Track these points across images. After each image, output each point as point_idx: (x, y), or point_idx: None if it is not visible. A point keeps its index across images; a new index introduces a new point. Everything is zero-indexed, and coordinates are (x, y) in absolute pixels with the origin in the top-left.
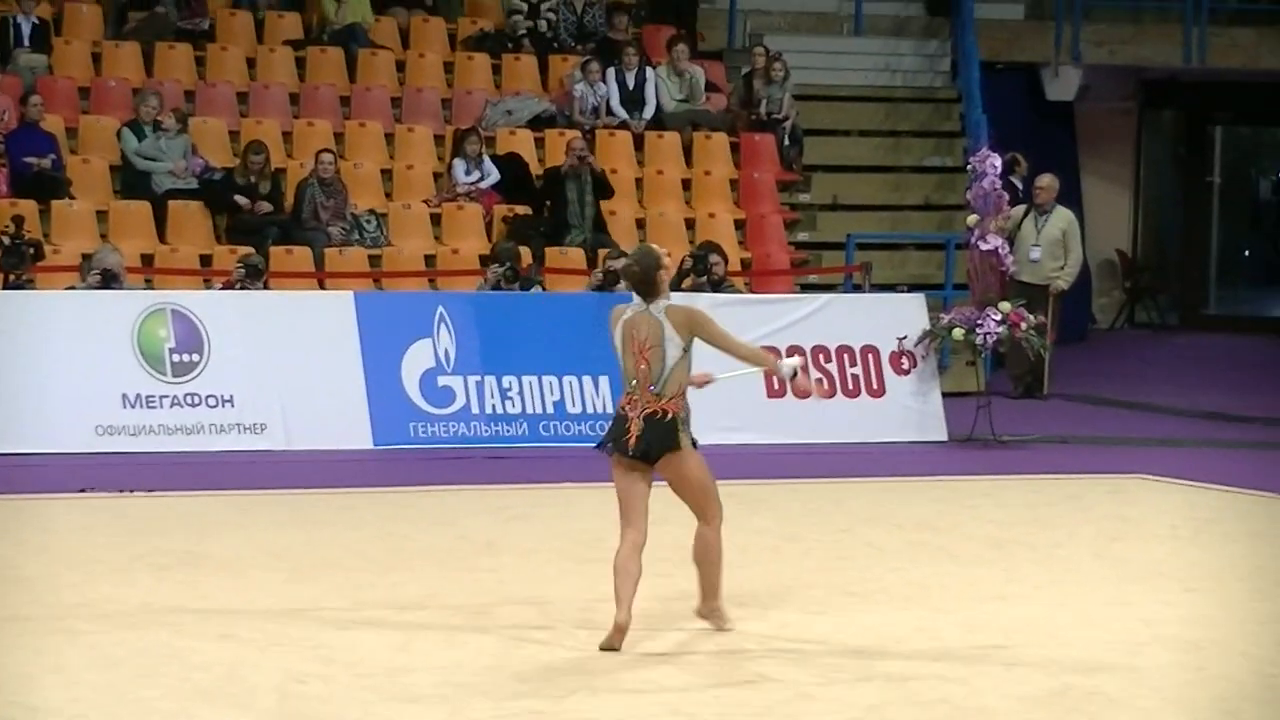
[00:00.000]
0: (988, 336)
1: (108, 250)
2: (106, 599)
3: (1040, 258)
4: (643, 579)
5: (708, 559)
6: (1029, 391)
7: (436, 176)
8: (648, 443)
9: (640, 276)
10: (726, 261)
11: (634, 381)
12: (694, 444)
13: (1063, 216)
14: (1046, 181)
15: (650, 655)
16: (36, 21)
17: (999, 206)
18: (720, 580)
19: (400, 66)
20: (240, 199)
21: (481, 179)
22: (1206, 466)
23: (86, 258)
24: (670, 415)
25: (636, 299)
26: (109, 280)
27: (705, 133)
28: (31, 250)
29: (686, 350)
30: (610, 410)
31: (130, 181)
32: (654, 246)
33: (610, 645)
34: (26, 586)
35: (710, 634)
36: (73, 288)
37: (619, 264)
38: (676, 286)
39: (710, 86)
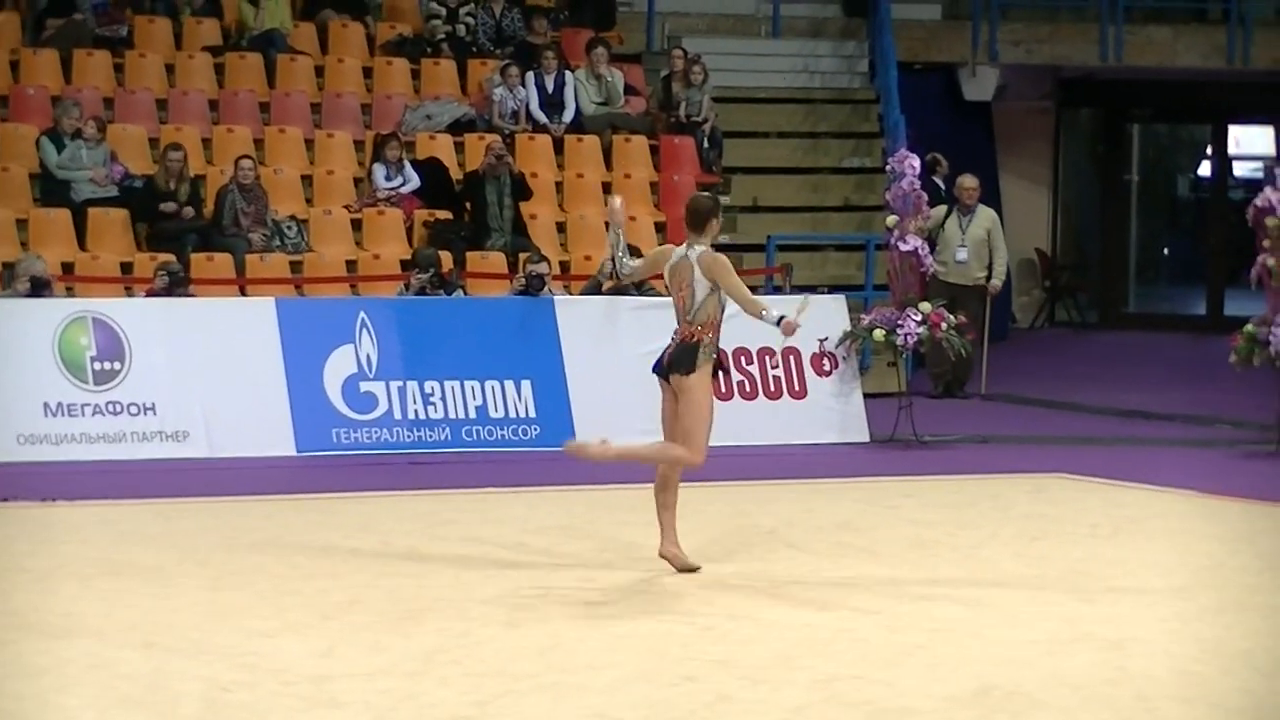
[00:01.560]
0: (908, 337)
1: (33, 258)
2: (29, 608)
3: (966, 258)
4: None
5: (666, 488)
6: (949, 391)
7: (357, 182)
8: (671, 360)
9: (695, 213)
10: None
11: (677, 313)
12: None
13: (987, 216)
14: (970, 182)
15: (574, 658)
16: None
17: (918, 207)
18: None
19: (319, 72)
20: (167, 206)
21: (402, 184)
22: (1127, 465)
23: (9, 266)
24: (696, 340)
25: (686, 241)
26: (39, 288)
27: (625, 136)
28: None
29: (714, 289)
30: (533, 414)
31: (50, 189)
32: (717, 197)
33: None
34: None
35: (637, 635)
36: None
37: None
38: (596, 290)
39: (629, 89)
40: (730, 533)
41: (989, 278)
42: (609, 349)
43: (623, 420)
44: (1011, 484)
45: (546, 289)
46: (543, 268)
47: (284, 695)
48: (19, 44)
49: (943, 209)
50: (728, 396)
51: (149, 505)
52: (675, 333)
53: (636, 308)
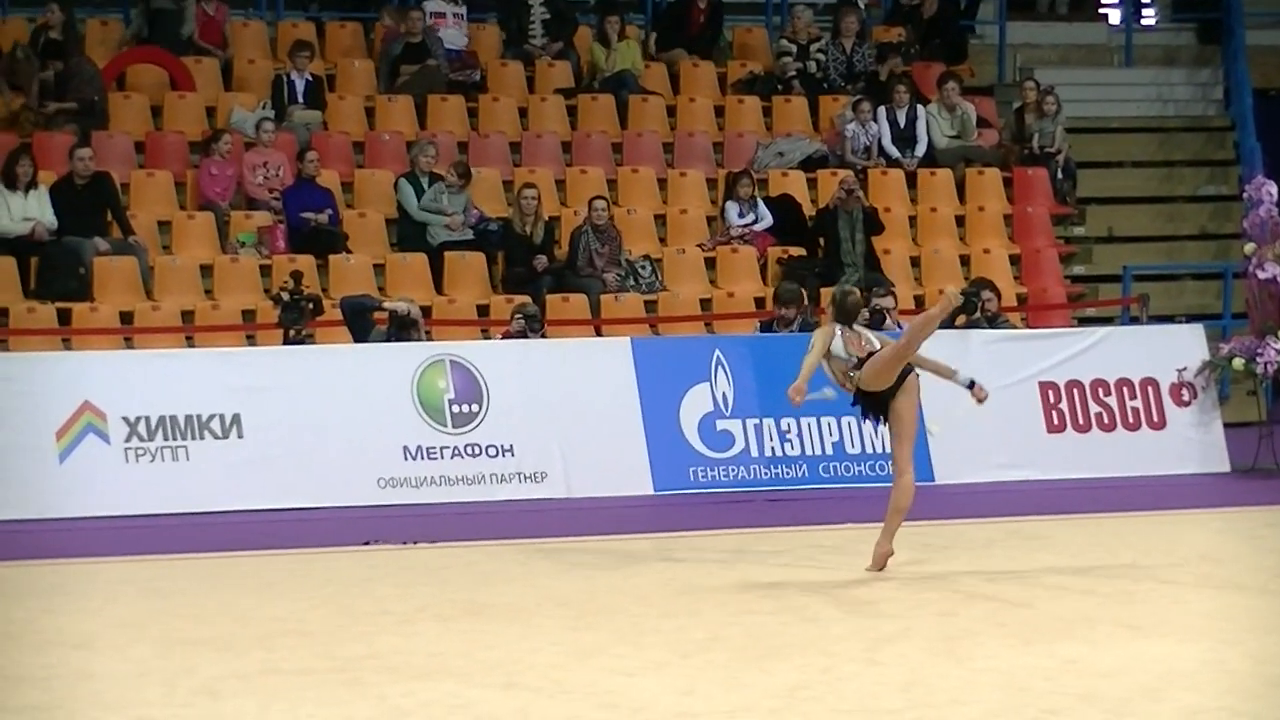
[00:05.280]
0: (1268, 365)
1: (403, 300)
2: (392, 650)
3: None
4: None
5: None
6: None
7: (710, 220)
8: None
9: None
10: (999, 297)
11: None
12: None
13: None
14: None
15: (936, 694)
16: (310, 78)
17: (1276, 234)
18: None
19: (671, 111)
20: (538, 261)
21: (755, 221)
22: None
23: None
24: None
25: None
26: (404, 327)
27: (978, 168)
28: (310, 305)
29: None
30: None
31: (407, 234)
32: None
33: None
34: (312, 639)
35: (998, 669)
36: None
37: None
38: (950, 324)
39: (981, 122)
40: (1090, 565)
41: None
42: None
43: (980, 454)
44: None
45: (888, 323)
46: (888, 301)
47: None
48: (374, 91)
49: None
50: (1086, 428)
51: (508, 546)
52: None
53: (988, 341)
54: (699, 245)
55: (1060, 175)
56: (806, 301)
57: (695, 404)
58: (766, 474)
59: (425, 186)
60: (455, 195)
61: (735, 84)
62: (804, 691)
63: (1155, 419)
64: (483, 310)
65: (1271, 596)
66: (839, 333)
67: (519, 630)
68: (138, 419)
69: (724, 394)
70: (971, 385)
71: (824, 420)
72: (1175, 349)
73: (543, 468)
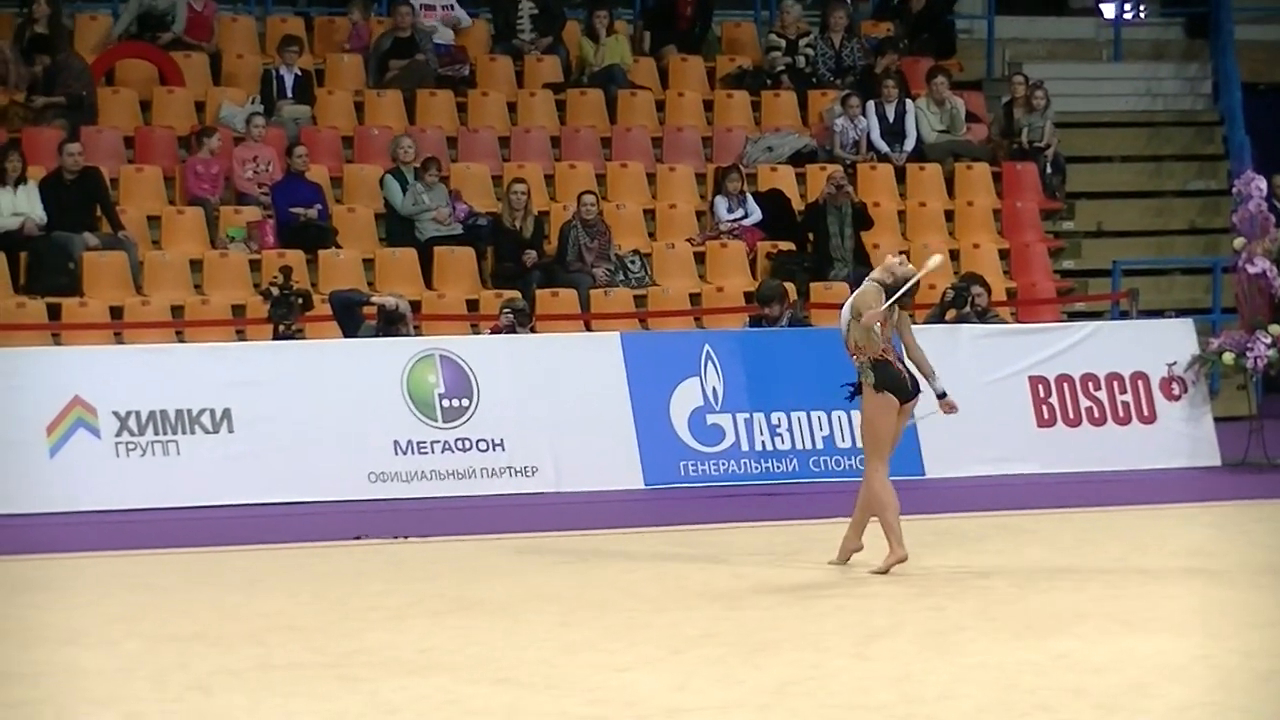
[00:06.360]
0: (1258, 360)
1: (392, 295)
2: (383, 645)
3: None
4: None
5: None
6: None
7: (699, 215)
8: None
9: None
10: (989, 292)
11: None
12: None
13: None
14: None
15: (926, 689)
16: (299, 73)
17: (1265, 228)
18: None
19: (660, 106)
20: (528, 256)
21: (744, 216)
22: None
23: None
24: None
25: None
26: (392, 321)
27: (967, 163)
28: (300, 300)
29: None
30: None
31: (395, 229)
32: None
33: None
34: (302, 634)
35: (988, 664)
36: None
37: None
38: (940, 319)
39: (970, 117)
40: (1081, 559)
41: None
42: (953, 378)
43: (970, 449)
44: None
45: None
46: None
47: None
48: (363, 85)
49: None
50: (1076, 422)
51: (499, 541)
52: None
53: (977, 336)
54: (688, 240)
55: (1049, 170)
56: (795, 297)
57: (685, 398)
58: (757, 468)
59: (411, 181)
60: (432, 191)
61: (724, 79)
62: (795, 687)
63: (1145, 413)
64: (472, 305)
65: (1261, 591)
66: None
67: (509, 625)
68: (128, 414)
69: (714, 388)
70: (943, 396)
71: (814, 414)
72: (1165, 343)
73: (533, 462)
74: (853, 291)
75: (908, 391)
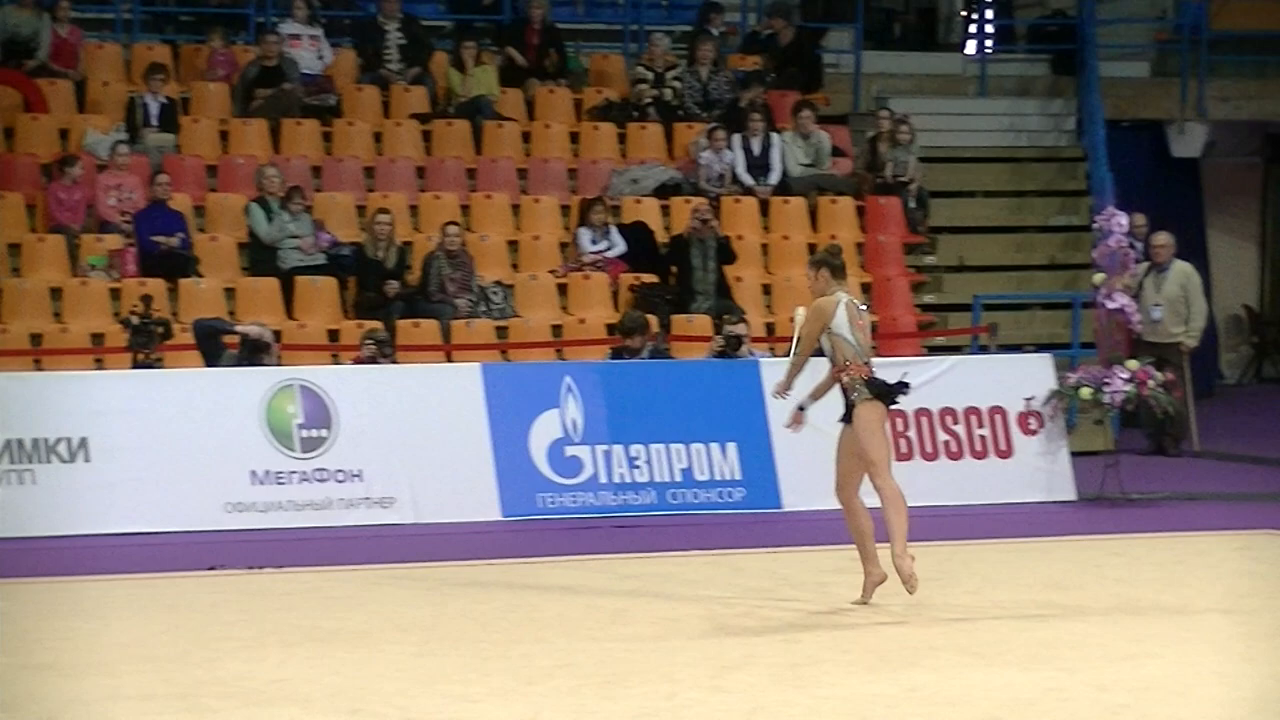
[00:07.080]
0: (1115, 395)
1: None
2: (236, 676)
3: (1162, 316)
4: None
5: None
6: (1160, 449)
7: (563, 246)
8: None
9: (840, 265)
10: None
11: (867, 350)
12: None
13: (1181, 272)
14: (1163, 239)
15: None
16: (165, 101)
17: (1125, 264)
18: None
19: (526, 137)
20: (389, 287)
21: (608, 248)
22: None
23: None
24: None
25: (840, 287)
26: (256, 350)
27: (831, 197)
28: (160, 329)
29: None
30: (738, 476)
31: (258, 258)
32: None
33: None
34: (155, 665)
35: (840, 696)
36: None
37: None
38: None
39: (836, 151)
40: (935, 593)
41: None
42: (812, 410)
43: (828, 481)
44: (1220, 541)
45: (745, 350)
46: (740, 329)
47: None
48: (228, 114)
49: (1143, 267)
50: (933, 456)
51: (355, 572)
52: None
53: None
54: (551, 271)
55: (913, 204)
56: (657, 329)
57: (545, 430)
58: (615, 500)
59: (275, 210)
60: (298, 220)
61: (590, 110)
62: (649, 719)
63: (1003, 447)
64: (334, 335)
65: (1113, 625)
66: (843, 305)
67: (364, 656)
68: None
69: (574, 420)
70: (801, 409)
71: (673, 447)
72: (1023, 378)
73: (391, 493)
74: (716, 325)
75: (892, 391)
